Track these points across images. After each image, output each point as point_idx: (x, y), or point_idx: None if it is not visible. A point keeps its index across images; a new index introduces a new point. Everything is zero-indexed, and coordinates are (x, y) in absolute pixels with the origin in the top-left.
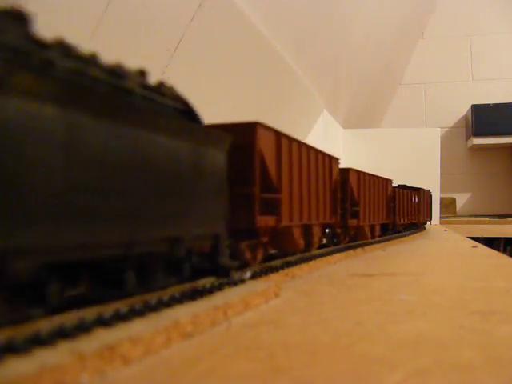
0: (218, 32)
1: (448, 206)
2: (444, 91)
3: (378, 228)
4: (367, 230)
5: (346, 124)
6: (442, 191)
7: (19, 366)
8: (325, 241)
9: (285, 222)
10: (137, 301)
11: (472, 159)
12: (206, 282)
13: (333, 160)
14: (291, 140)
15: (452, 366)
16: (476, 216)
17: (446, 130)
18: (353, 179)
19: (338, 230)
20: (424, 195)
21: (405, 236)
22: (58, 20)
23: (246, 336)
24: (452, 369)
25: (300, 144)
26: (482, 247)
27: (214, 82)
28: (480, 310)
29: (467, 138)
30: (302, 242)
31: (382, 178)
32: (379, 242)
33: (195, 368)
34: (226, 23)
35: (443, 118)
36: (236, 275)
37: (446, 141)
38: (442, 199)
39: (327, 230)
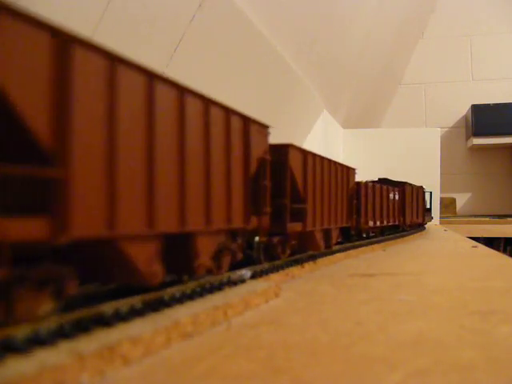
0: (218, 32)
1: (448, 206)
2: (444, 91)
3: (335, 234)
4: (319, 236)
5: (346, 124)
6: (442, 191)
7: (19, 365)
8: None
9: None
10: (137, 301)
11: (472, 159)
12: (206, 282)
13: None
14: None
15: (452, 366)
16: (476, 216)
17: (446, 129)
18: (295, 162)
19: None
20: (411, 192)
21: (404, 236)
22: (57, 20)
23: (245, 336)
24: (452, 369)
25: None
26: (482, 247)
27: (213, 82)
28: (480, 310)
29: (467, 138)
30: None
31: (341, 165)
32: (379, 241)
33: (195, 368)
34: (226, 23)
35: (443, 118)
36: (236, 275)
37: (446, 141)
38: (442, 199)
39: (256, 239)
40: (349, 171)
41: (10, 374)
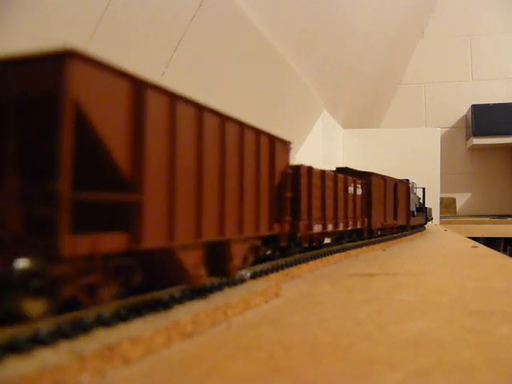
0: (218, 32)
1: (448, 206)
2: (444, 91)
3: (241, 250)
4: (192, 259)
5: (346, 124)
6: (442, 191)
7: (19, 366)
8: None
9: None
10: (137, 301)
11: (472, 159)
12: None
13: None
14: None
15: (452, 365)
16: (476, 216)
17: (446, 129)
18: (99, 102)
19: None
20: (383, 186)
21: (404, 236)
22: (58, 20)
23: (245, 336)
24: (452, 369)
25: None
26: (482, 247)
27: (213, 82)
28: (480, 310)
29: (467, 138)
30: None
31: (258, 132)
32: (379, 241)
33: (195, 368)
34: (226, 23)
35: (443, 118)
36: (236, 275)
37: (446, 141)
38: (441, 199)
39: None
40: (275, 144)
41: (10, 374)
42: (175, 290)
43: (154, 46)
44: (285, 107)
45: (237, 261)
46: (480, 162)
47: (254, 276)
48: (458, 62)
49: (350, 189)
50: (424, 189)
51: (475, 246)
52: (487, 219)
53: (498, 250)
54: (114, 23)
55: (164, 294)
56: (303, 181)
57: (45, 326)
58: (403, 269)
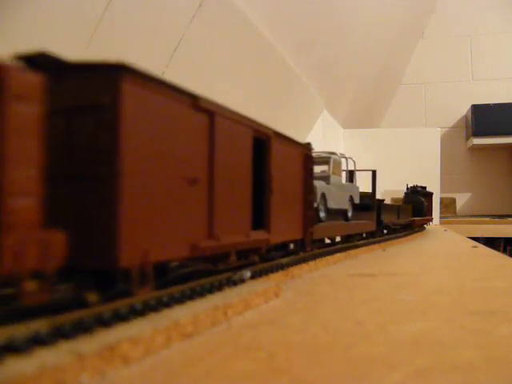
0: (217, 32)
1: (448, 206)
2: (444, 91)
3: None
4: None
5: (346, 124)
6: (442, 191)
7: (19, 365)
8: None
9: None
10: (137, 301)
11: (472, 159)
12: (206, 281)
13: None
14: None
15: (452, 366)
16: (476, 216)
17: (446, 129)
18: None
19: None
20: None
21: (404, 236)
22: (58, 20)
23: (245, 336)
24: (452, 369)
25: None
26: (482, 247)
27: (213, 82)
28: (480, 310)
29: (467, 138)
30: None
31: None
32: (379, 241)
33: (195, 368)
34: (226, 23)
35: (443, 118)
36: (236, 275)
37: (446, 141)
38: (441, 199)
39: None
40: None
41: (10, 374)
42: (175, 290)
43: (154, 46)
44: (285, 107)
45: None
46: (480, 162)
47: (253, 276)
48: (458, 62)
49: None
50: (374, 172)
51: (475, 246)
52: (487, 219)
53: (498, 250)
54: (114, 23)
55: (164, 293)
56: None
57: (44, 326)
58: (403, 269)
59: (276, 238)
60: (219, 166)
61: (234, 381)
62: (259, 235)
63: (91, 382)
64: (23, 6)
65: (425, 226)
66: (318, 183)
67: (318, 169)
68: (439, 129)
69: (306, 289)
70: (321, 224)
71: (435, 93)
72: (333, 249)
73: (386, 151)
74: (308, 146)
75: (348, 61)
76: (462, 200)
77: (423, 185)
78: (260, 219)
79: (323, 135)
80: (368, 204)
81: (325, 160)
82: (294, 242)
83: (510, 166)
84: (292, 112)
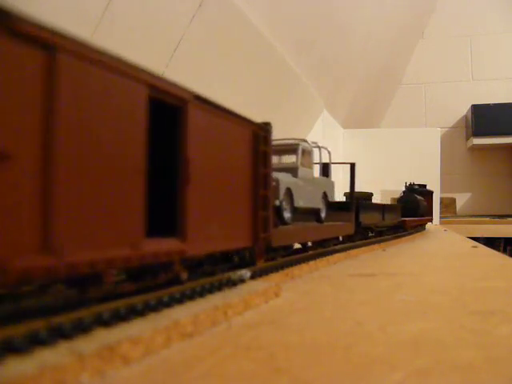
0: (217, 32)
1: (448, 206)
2: (444, 91)
3: None
4: None
5: (346, 124)
6: (442, 191)
7: (19, 365)
8: None
9: None
10: (137, 301)
11: (472, 159)
12: (206, 281)
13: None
14: None
15: (452, 366)
16: (476, 216)
17: (446, 129)
18: None
19: None
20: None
21: (404, 236)
22: (57, 20)
23: (245, 336)
24: (452, 369)
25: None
26: (482, 247)
27: (214, 82)
28: (480, 310)
29: (467, 138)
30: None
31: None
32: (379, 241)
33: (195, 368)
34: (226, 23)
35: (443, 118)
36: (236, 275)
37: (446, 141)
38: (442, 199)
39: None
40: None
41: (10, 374)
42: (175, 290)
43: (154, 46)
44: (285, 107)
45: None
46: (480, 162)
47: (253, 276)
48: (458, 61)
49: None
50: (353, 166)
51: (475, 246)
52: (487, 219)
53: (498, 250)
54: (114, 23)
55: (164, 293)
56: None
57: (44, 326)
58: (403, 269)
59: (199, 247)
60: (65, 134)
61: (234, 381)
62: (163, 245)
63: (91, 382)
64: (23, 6)
65: (425, 226)
66: (282, 176)
67: (283, 159)
68: (439, 129)
69: (306, 289)
70: (284, 227)
71: (435, 93)
72: (333, 249)
73: (385, 151)
74: (262, 126)
75: (348, 61)
76: (462, 200)
77: (423, 183)
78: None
79: (323, 135)
80: (346, 203)
81: (292, 148)
82: (241, 251)
83: (510, 165)
84: (292, 112)
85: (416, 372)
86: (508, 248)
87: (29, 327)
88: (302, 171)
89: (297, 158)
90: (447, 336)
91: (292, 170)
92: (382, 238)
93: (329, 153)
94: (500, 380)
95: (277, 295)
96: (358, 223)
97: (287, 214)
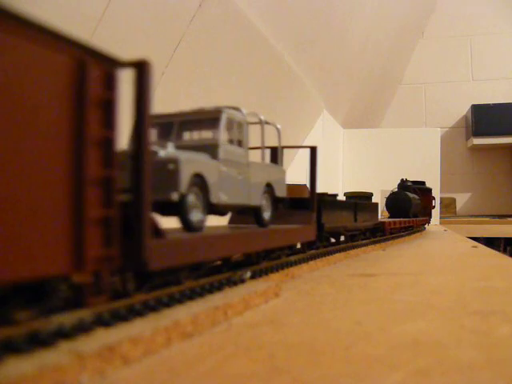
0: (217, 32)
1: (448, 206)
2: (444, 91)
3: None
4: None
5: (346, 124)
6: (441, 191)
7: (19, 365)
8: None
9: None
10: (137, 301)
11: (472, 159)
12: (206, 281)
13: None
14: None
15: (452, 366)
16: (476, 216)
17: (446, 129)
18: None
19: None
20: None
21: (404, 236)
22: (57, 20)
23: (246, 336)
24: (452, 369)
25: None
26: (482, 247)
27: (213, 82)
28: (480, 310)
29: (467, 138)
30: None
31: None
32: (379, 241)
33: (195, 368)
34: (226, 23)
35: (443, 118)
36: (236, 275)
37: (446, 141)
38: (442, 199)
39: None
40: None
41: (10, 374)
42: (175, 290)
43: (154, 46)
44: (285, 107)
45: None
46: (480, 162)
47: (253, 276)
48: (457, 62)
49: None
50: (314, 150)
51: (475, 246)
52: (487, 219)
53: (498, 250)
54: (114, 23)
55: (164, 293)
56: None
57: (44, 326)
58: (403, 269)
59: None
60: None
61: (233, 381)
62: None
63: (91, 382)
64: (23, 6)
65: (424, 227)
66: (186, 156)
67: (196, 135)
68: (439, 129)
69: (306, 289)
70: (185, 236)
71: (435, 93)
72: (332, 249)
73: (386, 151)
74: (100, 53)
75: (348, 61)
76: (462, 200)
77: (421, 180)
78: None
79: (323, 135)
80: (302, 200)
81: (211, 118)
82: (38, 286)
83: (510, 165)
84: (292, 112)
85: (416, 372)
86: (508, 248)
87: (29, 327)
88: (226, 151)
89: (217, 132)
90: (447, 336)
91: (210, 149)
92: (356, 243)
93: (278, 131)
94: (500, 380)
95: (277, 295)
96: (320, 226)
97: (198, 215)
